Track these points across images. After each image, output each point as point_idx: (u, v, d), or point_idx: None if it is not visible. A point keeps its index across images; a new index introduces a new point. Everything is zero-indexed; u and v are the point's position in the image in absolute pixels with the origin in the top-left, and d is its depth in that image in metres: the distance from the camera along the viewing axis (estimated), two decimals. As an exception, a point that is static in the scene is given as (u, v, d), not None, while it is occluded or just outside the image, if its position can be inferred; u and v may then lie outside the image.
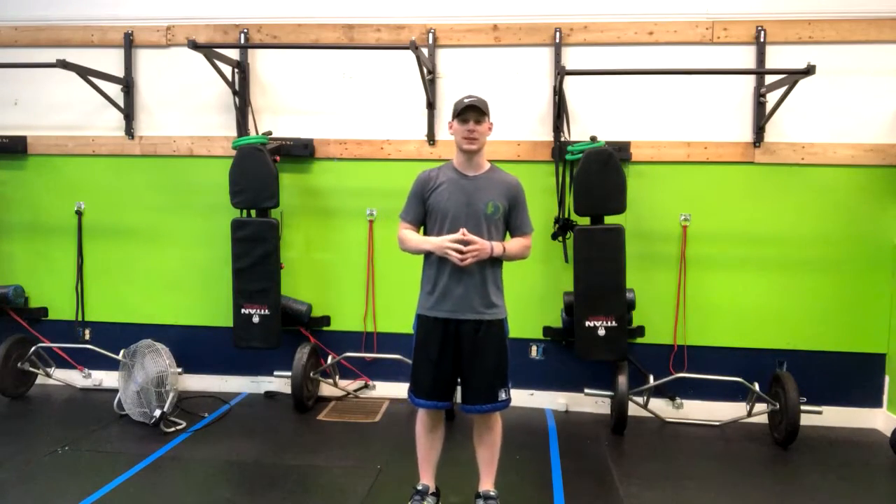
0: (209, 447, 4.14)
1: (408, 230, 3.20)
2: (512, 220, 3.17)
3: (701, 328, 4.83)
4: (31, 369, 5.15)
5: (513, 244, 3.16)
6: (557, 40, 4.78)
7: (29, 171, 5.32)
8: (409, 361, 4.84)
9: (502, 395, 3.14)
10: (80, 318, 5.31)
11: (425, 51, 4.81)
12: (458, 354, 3.11)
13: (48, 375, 5.28)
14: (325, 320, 5.14)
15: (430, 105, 4.88)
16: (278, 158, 4.86)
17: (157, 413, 4.35)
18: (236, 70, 4.97)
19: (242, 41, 5.00)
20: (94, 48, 5.16)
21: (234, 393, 5.19)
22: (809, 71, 4.05)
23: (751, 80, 4.71)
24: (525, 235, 3.19)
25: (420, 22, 4.92)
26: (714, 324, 4.81)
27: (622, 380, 4.45)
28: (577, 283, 4.50)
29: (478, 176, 3.11)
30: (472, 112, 3.01)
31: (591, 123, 4.77)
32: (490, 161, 3.21)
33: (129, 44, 5.12)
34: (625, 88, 4.78)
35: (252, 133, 5.02)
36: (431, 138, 4.94)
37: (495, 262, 3.10)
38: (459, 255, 2.96)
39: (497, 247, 3.05)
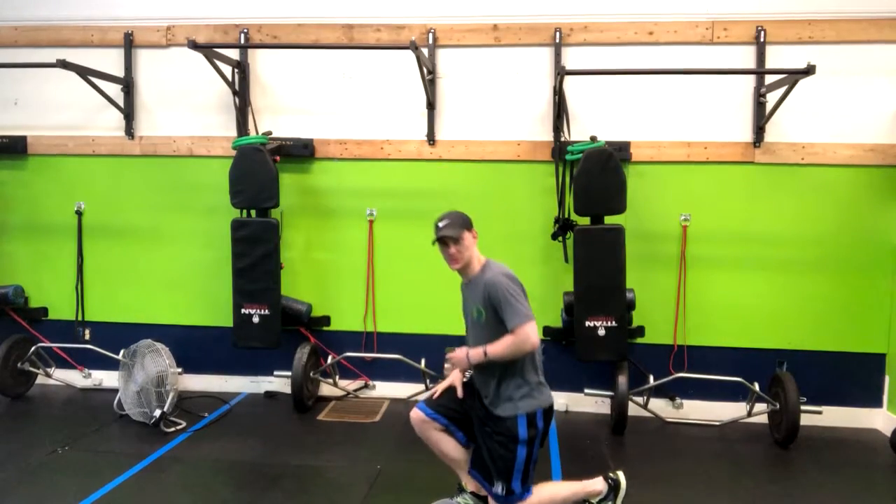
0: (209, 447, 4.15)
1: None
2: (503, 318, 2.93)
3: (701, 328, 4.83)
4: (31, 369, 5.15)
5: (497, 344, 2.91)
6: (557, 40, 4.78)
7: (29, 171, 5.33)
8: (410, 361, 4.91)
9: (498, 489, 2.97)
10: (80, 318, 5.31)
11: (425, 51, 4.81)
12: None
13: (48, 375, 5.28)
14: (325, 320, 5.14)
15: (431, 105, 4.88)
16: (278, 158, 4.86)
17: (157, 413, 4.35)
18: (236, 70, 4.97)
19: (242, 41, 5.00)
20: (94, 48, 5.16)
21: (234, 393, 5.19)
22: (809, 71, 4.05)
23: (751, 80, 4.71)
24: (512, 331, 2.87)
25: (420, 22, 4.92)
26: (714, 324, 4.81)
27: (622, 380, 4.45)
28: (577, 283, 4.50)
29: (470, 282, 3.07)
30: (447, 239, 2.98)
31: (591, 123, 4.77)
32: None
33: (129, 44, 5.12)
34: (625, 88, 4.78)
35: (252, 133, 5.02)
36: (431, 138, 4.94)
37: (510, 362, 2.94)
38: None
39: (474, 353, 2.95)
